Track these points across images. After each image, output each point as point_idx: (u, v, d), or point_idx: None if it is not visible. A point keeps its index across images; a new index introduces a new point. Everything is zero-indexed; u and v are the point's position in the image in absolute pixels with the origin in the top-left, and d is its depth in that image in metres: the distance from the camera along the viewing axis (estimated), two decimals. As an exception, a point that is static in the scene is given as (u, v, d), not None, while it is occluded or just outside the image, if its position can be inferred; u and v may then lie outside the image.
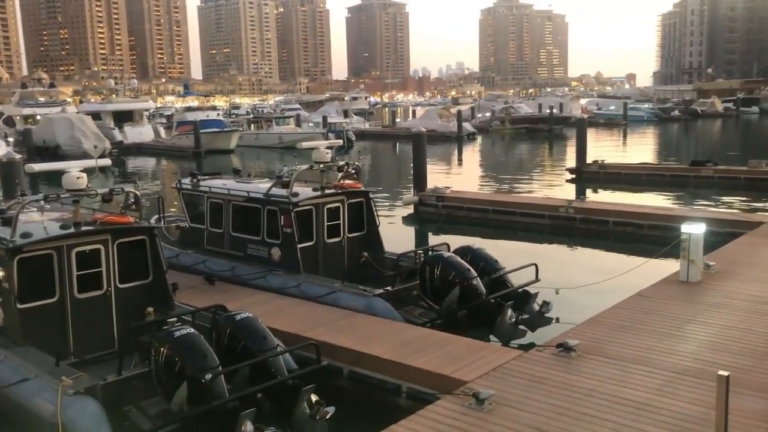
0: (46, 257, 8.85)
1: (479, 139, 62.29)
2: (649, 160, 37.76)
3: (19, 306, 8.65)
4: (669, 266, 12.97)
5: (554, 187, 29.67)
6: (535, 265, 11.59)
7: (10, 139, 47.59)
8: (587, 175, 30.35)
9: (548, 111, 71.01)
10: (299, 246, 12.16)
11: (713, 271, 12.05)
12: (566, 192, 27.35)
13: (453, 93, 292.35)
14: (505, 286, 11.21)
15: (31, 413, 7.49)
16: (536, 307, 10.89)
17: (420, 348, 8.83)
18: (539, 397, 7.23)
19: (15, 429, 7.73)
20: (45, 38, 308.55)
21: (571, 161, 34.23)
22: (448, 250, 11.73)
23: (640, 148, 50.27)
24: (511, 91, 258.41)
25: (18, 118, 58.08)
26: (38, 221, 9.49)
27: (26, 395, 7.64)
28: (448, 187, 23.77)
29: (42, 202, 9.51)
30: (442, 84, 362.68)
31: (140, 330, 8.61)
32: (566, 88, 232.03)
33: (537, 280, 11.56)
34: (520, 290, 11.26)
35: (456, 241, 17.46)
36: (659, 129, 71.53)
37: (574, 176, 31.07)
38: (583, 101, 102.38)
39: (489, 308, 10.59)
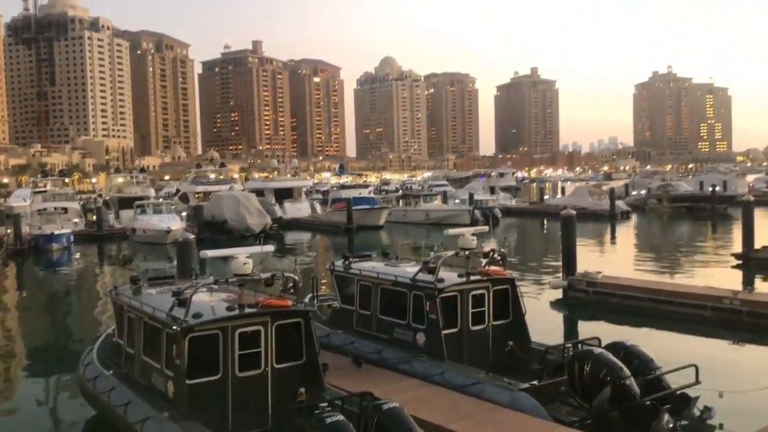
0: (213, 336, 9.62)
1: (634, 218, 59.64)
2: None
3: (188, 381, 9.42)
4: None
5: (718, 275, 27.56)
6: (695, 366, 10.81)
7: (184, 214, 52.41)
8: (756, 262, 27.96)
9: (710, 189, 66.88)
10: (444, 332, 12.24)
11: None
12: (731, 280, 25.28)
13: (605, 168, 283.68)
14: (661, 387, 10.53)
15: None
16: (696, 412, 10.12)
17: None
18: None
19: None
20: (218, 120, 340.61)
21: (737, 245, 31.80)
22: (600, 345, 11.29)
23: (820, 232, 45.64)
24: (669, 166, 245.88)
25: (192, 194, 63.87)
26: (207, 301, 10.33)
27: None
28: (600, 272, 22.89)
29: (212, 285, 10.44)
30: (594, 159, 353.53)
31: (294, 412, 9.02)
32: (731, 164, 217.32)
33: (697, 382, 10.75)
34: (678, 393, 10.52)
35: (607, 330, 16.82)
36: (843, 209, 64.62)
37: (740, 262, 28.75)
38: (749, 178, 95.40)
39: (643, 411, 9.97)
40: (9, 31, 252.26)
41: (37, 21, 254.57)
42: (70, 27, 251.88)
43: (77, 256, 43.38)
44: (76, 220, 53.95)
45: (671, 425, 9.64)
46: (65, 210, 54.26)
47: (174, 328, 9.48)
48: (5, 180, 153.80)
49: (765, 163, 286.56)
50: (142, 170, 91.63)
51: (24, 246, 43.61)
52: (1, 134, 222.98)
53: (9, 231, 47.19)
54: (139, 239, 47.02)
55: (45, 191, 72.37)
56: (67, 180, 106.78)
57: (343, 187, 77.86)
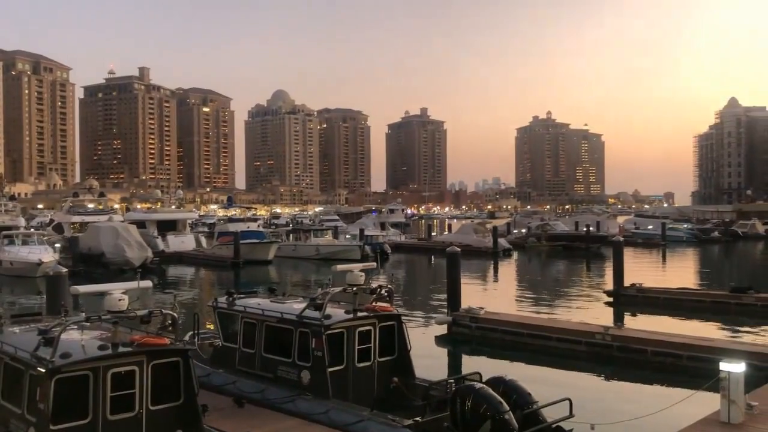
0: (82, 378, 9.00)
1: (515, 255, 62.24)
2: (688, 284, 37.08)
3: (52, 427, 8.73)
4: (710, 402, 12.48)
5: (591, 310, 29.17)
6: (569, 400, 11.29)
7: (57, 245, 49.31)
8: (625, 299, 29.87)
9: (585, 229, 71.05)
10: (329, 370, 12.11)
11: (756, 412, 11.56)
12: (604, 316, 26.88)
13: (489, 207, 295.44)
14: (538, 421, 10.89)
15: None
16: (570, 444, 10.52)
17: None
18: None
19: None
20: (99, 147, 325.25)
21: (608, 282, 33.85)
22: (481, 380, 11.55)
23: (679, 271, 49.52)
24: (548, 206, 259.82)
25: (67, 225, 60.31)
26: (78, 340, 9.68)
27: None
28: (482, 308, 23.58)
29: (83, 322, 9.80)
30: (479, 198, 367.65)
31: None
32: (604, 206, 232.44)
33: (571, 415, 11.20)
34: (554, 426, 10.92)
35: (489, 365, 17.28)
36: (699, 250, 70.58)
37: (611, 299, 30.62)
38: (620, 219, 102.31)
39: (521, 445, 10.26)
40: None
41: None
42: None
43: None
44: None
45: (547, 458, 9.97)
46: None
47: (39, 369, 8.80)
48: None
49: (633, 206, 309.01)
50: (12, 198, 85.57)
51: None
52: None
53: None
54: (6, 272, 43.66)
55: None
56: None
57: (231, 220, 76.30)
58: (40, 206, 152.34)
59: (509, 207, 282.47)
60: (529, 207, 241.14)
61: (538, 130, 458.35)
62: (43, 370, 8.72)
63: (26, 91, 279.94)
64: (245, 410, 12.11)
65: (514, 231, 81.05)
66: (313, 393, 12.11)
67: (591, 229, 71.46)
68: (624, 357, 18.98)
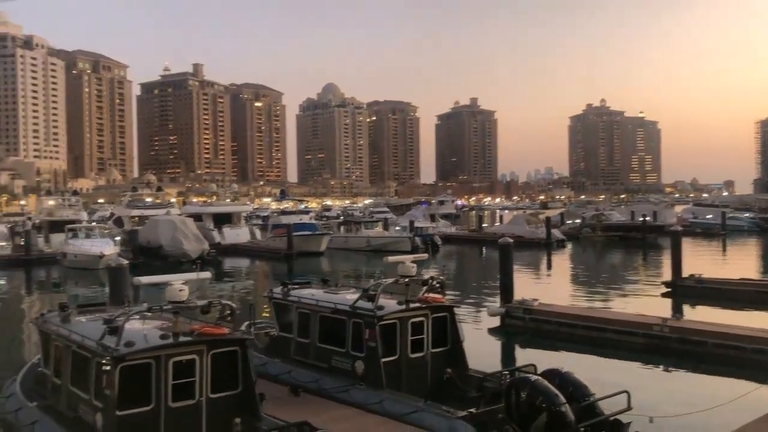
0: (145, 366, 9.32)
1: (569, 246, 61.23)
2: (750, 275, 35.78)
3: (118, 413, 9.06)
4: (776, 398, 12.11)
5: (648, 302, 28.49)
6: (627, 392, 11.09)
7: (117, 239, 50.93)
8: (683, 290, 29.08)
9: (641, 219, 69.39)
10: (383, 360, 12.20)
11: (826, 406, 11.15)
12: (661, 307, 26.22)
13: (542, 197, 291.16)
14: (595, 414, 10.72)
15: None
16: (629, 437, 10.34)
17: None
18: None
19: None
20: (156, 143, 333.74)
21: (666, 273, 33.02)
22: (536, 372, 11.45)
23: (741, 261, 47.89)
24: (602, 196, 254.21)
25: (127, 218, 62.17)
26: (140, 329, 10.01)
27: None
28: (536, 299, 23.34)
29: (145, 312, 10.13)
30: (531, 188, 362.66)
31: None
32: (661, 195, 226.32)
33: (629, 408, 11.00)
34: (611, 419, 10.74)
35: (543, 357, 17.09)
36: (761, 240, 67.99)
37: (669, 290, 29.86)
38: (678, 209, 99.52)
39: (578, 437, 10.14)
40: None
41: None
42: (2, 44, 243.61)
43: (3, 281, 41.49)
44: (3, 243, 51.77)
45: (604, 451, 9.83)
46: (-9, 233, 52.06)
47: (104, 357, 9.15)
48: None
49: (692, 195, 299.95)
50: (75, 193, 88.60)
51: (-55, 270, 41.49)
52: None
53: (-72, 255, 44.89)
54: (70, 264, 45.37)
55: (-31, 213, 69.33)
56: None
57: (283, 212, 77.23)
58: (100, 201, 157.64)
59: (562, 197, 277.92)
60: (583, 197, 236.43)
61: (592, 118, 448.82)
62: (109, 358, 9.05)
63: (86, 90, 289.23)
64: (301, 399, 12.32)
65: (568, 222, 79.66)
66: (366, 383, 12.22)
67: (647, 218, 69.65)
68: (683, 349, 18.51)
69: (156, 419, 9.35)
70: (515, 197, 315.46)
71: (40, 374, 11.60)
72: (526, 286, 31.06)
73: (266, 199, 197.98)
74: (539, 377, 10.96)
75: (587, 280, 38.60)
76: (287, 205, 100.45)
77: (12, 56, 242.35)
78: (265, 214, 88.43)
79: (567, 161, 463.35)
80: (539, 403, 10.20)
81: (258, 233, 64.98)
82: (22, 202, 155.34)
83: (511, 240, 25.36)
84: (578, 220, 77.35)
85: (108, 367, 9.04)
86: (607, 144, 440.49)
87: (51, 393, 10.85)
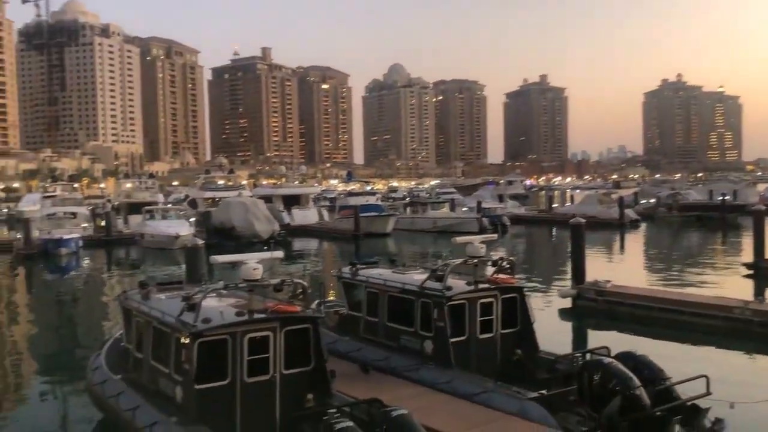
0: (222, 342, 9.62)
1: (643, 226, 59.38)
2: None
3: (197, 386, 9.41)
4: None
5: (728, 284, 27.37)
6: (706, 377, 10.71)
7: (192, 220, 52.54)
8: (766, 272, 27.77)
9: (720, 198, 66.59)
10: (451, 340, 12.20)
11: None
12: (742, 290, 25.08)
13: (614, 176, 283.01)
14: (671, 398, 10.42)
15: None
16: (708, 423, 9.99)
17: (576, 460, 8.42)
18: None
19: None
20: (227, 126, 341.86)
21: (747, 255, 31.58)
22: (609, 355, 11.22)
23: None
24: (678, 175, 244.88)
25: (201, 200, 64.03)
26: (216, 307, 10.31)
27: None
28: (609, 281, 22.78)
29: (221, 290, 10.46)
30: (603, 167, 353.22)
31: (302, 418, 9.00)
32: (741, 173, 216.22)
33: (708, 393, 10.64)
34: (689, 404, 10.41)
35: (617, 340, 16.71)
36: None
37: (751, 272, 28.55)
38: (760, 187, 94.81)
39: (654, 422, 9.86)
40: (21, 37, 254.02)
41: (49, 27, 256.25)
42: (81, 33, 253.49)
43: (86, 260, 43.56)
44: (85, 224, 54.16)
45: (682, 436, 9.55)
46: (74, 215, 54.54)
47: (183, 333, 9.49)
48: (16, 185, 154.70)
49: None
50: (151, 176, 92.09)
51: (33, 250, 43.82)
52: (12, 139, 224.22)
53: (19, 235, 47.51)
54: (148, 244, 47.16)
55: (54, 196, 72.95)
56: (76, 185, 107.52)
57: (350, 194, 77.88)
58: (175, 183, 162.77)
59: (636, 176, 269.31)
60: (658, 176, 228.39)
61: (668, 94, 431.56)
62: (187, 334, 9.39)
63: (160, 75, 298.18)
64: (371, 377, 12.47)
65: (642, 201, 77.14)
66: (435, 362, 12.26)
67: (727, 198, 66.77)
68: (765, 333, 17.72)
69: (232, 393, 9.65)
70: (587, 176, 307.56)
71: (123, 349, 12.15)
72: (598, 268, 30.35)
73: (333, 181, 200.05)
74: (613, 360, 10.74)
75: (663, 262, 37.40)
76: (354, 186, 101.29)
77: (90, 44, 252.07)
78: (333, 195, 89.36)
79: (641, 139, 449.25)
80: (613, 386, 9.99)
81: (326, 214, 65.78)
82: (102, 185, 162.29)
83: (583, 220, 24.79)
84: (653, 200, 74.89)
85: (187, 343, 9.37)
86: (684, 120, 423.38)
87: (133, 367, 11.35)
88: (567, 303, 23.01)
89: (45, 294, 32.73)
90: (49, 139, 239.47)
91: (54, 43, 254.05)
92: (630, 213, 60.82)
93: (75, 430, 12.69)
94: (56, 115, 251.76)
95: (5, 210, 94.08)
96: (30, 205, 73.22)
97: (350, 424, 7.78)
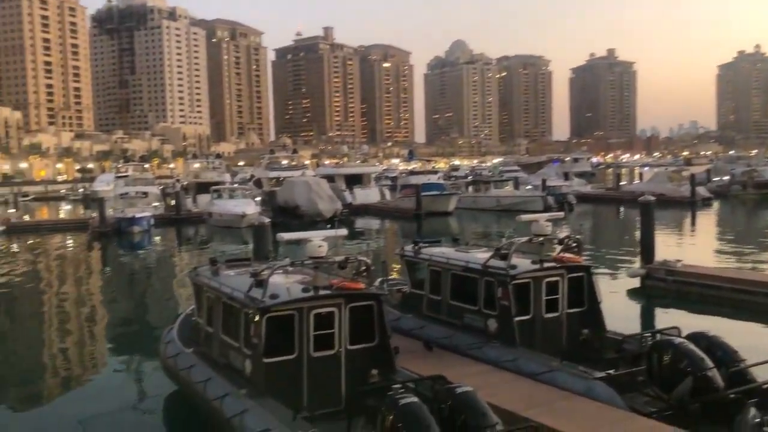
0: (288, 317, 9.84)
1: (715, 205, 57.22)
2: None
3: (265, 360, 9.68)
4: None
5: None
6: (784, 360, 10.31)
7: (257, 199, 53.64)
8: None
9: (800, 175, 63.42)
10: (516, 319, 12.11)
11: None
12: (824, 271, 23.99)
13: (685, 153, 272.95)
14: (746, 380, 10.07)
15: None
16: (786, 408, 9.62)
17: (645, 442, 8.27)
18: None
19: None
20: (290, 107, 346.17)
21: (830, 234, 30.06)
22: (680, 335, 10.91)
23: None
24: (755, 151, 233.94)
25: (266, 180, 65.20)
26: (283, 283, 10.53)
27: None
28: (680, 260, 22.09)
29: (288, 267, 10.68)
30: (673, 143, 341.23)
31: (366, 393, 9.13)
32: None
33: (786, 376, 10.26)
34: (764, 386, 10.06)
35: (687, 321, 16.22)
36: None
37: (833, 252, 27.19)
38: None
39: (727, 404, 9.58)
40: (94, 23, 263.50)
41: (119, 12, 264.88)
42: (149, 17, 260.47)
43: (157, 238, 45.13)
44: (156, 204, 56.07)
45: (758, 420, 9.21)
46: (146, 194, 56.52)
47: (252, 308, 9.74)
48: (90, 165, 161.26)
49: None
50: (218, 156, 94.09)
51: (108, 228, 45.67)
52: (87, 122, 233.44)
53: (94, 214, 49.61)
54: (216, 223, 48.45)
55: (127, 176, 75.63)
56: (146, 165, 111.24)
57: (412, 173, 77.73)
58: (240, 163, 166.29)
59: (708, 153, 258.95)
60: (732, 152, 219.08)
61: (744, 66, 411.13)
62: (256, 309, 9.64)
63: (225, 57, 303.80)
64: (434, 354, 12.52)
65: (715, 179, 74.28)
66: (499, 341, 12.20)
67: (808, 174, 63.55)
68: None
69: (299, 367, 9.88)
70: (656, 153, 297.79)
71: (194, 323, 12.57)
72: (668, 247, 29.49)
73: (394, 160, 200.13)
74: (684, 340, 10.45)
75: (736, 241, 35.98)
76: (415, 165, 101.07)
77: (158, 28, 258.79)
78: (394, 174, 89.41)
79: (714, 114, 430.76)
80: (684, 367, 9.74)
81: (387, 194, 65.97)
82: (171, 166, 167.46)
83: (653, 198, 24.05)
84: (727, 177, 71.97)
85: (255, 318, 9.63)
86: (762, 94, 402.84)
87: (204, 340, 11.73)
88: (635, 283, 22.47)
89: (119, 270, 34.12)
90: (120, 120, 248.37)
91: (124, 28, 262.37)
92: (702, 191, 58.73)
93: (150, 401, 13.23)
94: (127, 98, 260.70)
95: (81, 190, 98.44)
96: (104, 185, 76.33)
97: (415, 399, 7.83)
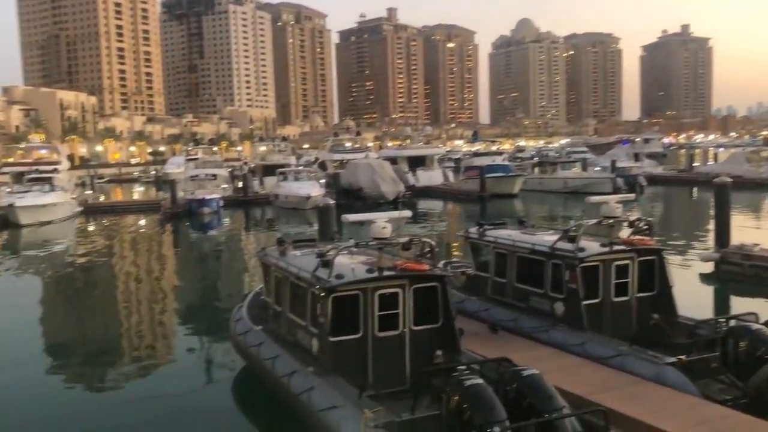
0: (354, 297, 9.96)
1: (797, 187, 54.37)
2: None
3: (331, 339, 9.85)
4: None
5: None
6: None
7: (322, 181, 54.26)
8: None
9: None
10: (584, 302, 11.89)
11: None
12: None
13: (764, 133, 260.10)
14: (831, 371, 9.63)
15: None
16: None
17: (721, 429, 8.03)
18: None
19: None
20: (353, 89, 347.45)
21: None
22: (757, 321, 10.50)
23: None
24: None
25: (330, 162, 65.85)
26: (348, 263, 10.64)
27: (334, 422, 8.64)
28: (757, 244, 21.20)
29: (352, 247, 10.79)
30: (752, 123, 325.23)
31: (431, 373, 9.18)
32: None
33: None
34: None
35: (765, 306, 15.57)
36: None
37: None
38: None
39: (807, 394, 9.20)
40: (163, 8, 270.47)
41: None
42: (217, 2, 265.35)
43: (226, 219, 46.29)
44: (225, 186, 57.44)
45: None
46: (215, 176, 57.92)
47: (318, 287, 9.91)
48: (162, 148, 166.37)
49: None
50: (284, 139, 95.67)
51: (179, 209, 47.13)
52: (158, 106, 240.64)
53: (166, 195, 51.27)
54: (282, 205, 49.32)
55: (197, 159, 77.72)
56: (215, 148, 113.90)
57: (476, 154, 76.92)
58: (305, 146, 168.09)
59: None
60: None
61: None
62: (322, 289, 9.80)
63: (290, 41, 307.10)
64: (499, 336, 12.46)
65: (797, 159, 70.52)
66: (566, 324, 12.03)
67: None
68: None
69: (364, 346, 10.01)
70: (733, 133, 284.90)
71: (262, 302, 12.88)
72: (745, 230, 28.27)
73: (458, 142, 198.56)
74: (762, 326, 10.07)
75: (820, 225, 34.18)
76: (479, 146, 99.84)
77: (225, 12, 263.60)
78: (457, 156, 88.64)
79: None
80: (762, 354, 9.42)
81: (450, 175, 65.54)
82: (239, 148, 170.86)
83: (729, 179, 23.09)
84: (810, 158, 68.20)
85: (322, 297, 9.79)
86: None
87: (272, 318, 12.03)
88: (709, 267, 21.72)
89: (190, 250, 35.22)
90: (189, 104, 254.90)
91: (192, 13, 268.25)
92: (783, 172, 55.87)
93: (219, 376, 13.67)
94: (196, 82, 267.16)
95: (153, 172, 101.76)
96: (175, 167, 78.73)
97: (480, 381, 7.83)
